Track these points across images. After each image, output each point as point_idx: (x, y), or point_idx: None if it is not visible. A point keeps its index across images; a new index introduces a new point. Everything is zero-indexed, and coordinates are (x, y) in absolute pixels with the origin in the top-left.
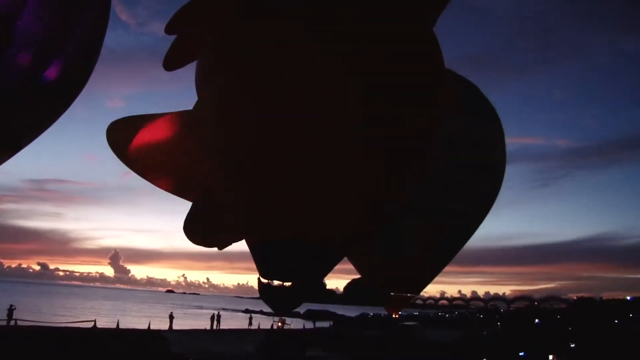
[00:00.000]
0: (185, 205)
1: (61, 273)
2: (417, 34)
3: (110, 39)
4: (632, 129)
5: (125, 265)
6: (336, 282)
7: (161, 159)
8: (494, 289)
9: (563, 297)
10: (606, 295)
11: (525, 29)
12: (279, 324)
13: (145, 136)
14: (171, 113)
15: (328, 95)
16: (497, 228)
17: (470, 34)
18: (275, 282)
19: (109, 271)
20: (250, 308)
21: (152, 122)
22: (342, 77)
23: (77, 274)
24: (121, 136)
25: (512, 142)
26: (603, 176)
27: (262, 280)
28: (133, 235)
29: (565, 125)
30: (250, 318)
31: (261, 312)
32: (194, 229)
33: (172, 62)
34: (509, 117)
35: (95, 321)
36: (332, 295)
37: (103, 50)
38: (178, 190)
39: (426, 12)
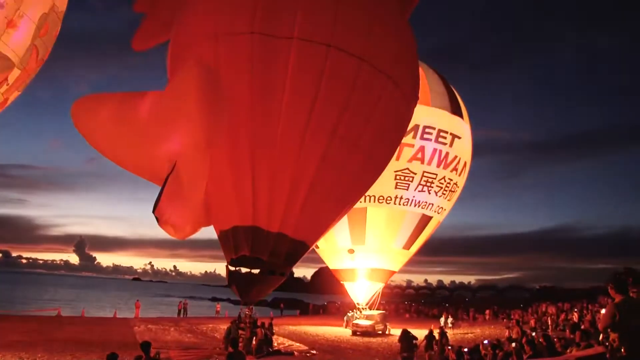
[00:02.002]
0: (152, 193)
1: (24, 261)
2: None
3: (76, 22)
4: (593, 124)
5: (90, 253)
6: (304, 270)
7: (130, 139)
8: (460, 278)
9: (526, 286)
10: (567, 284)
11: (493, 24)
12: (247, 312)
13: (115, 115)
14: (144, 92)
15: (304, 86)
16: (462, 219)
17: (438, 27)
18: (244, 270)
19: (74, 259)
20: (217, 296)
21: (123, 100)
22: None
23: (41, 262)
24: (87, 114)
25: (478, 135)
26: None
27: (230, 267)
28: (99, 222)
29: (529, 119)
30: (218, 306)
31: (228, 300)
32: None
33: (141, 41)
34: (475, 110)
35: (59, 310)
36: (300, 283)
37: (69, 34)
38: (147, 173)
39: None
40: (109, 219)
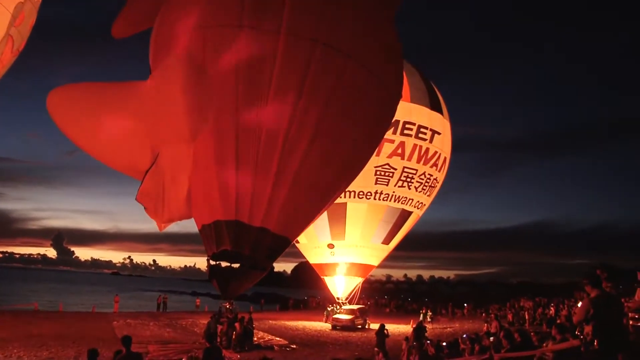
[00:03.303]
0: (132, 187)
1: (0, 255)
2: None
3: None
4: (574, 122)
5: (69, 247)
6: (284, 265)
7: (110, 131)
8: (439, 273)
9: (504, 281)
10: (544, 280)
11: (481, 22)
12: (227, 306)
13: (94, 105)
14: (125, 82)
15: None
16: (442, 214)
17: (424, 23)
18: (224, 264)
19: (51, 253)
20: (198, 291)
21: (102, 90)
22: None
23: (18, 256)
24: (64, 104)
25: (458, 131)
26: (545, 167)
27: (211, 262)
28: (77, 216)
29: (510, 116)
30: (197, 301)
31: (208, 295)
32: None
33: (121, 29)
34: (457, 106)
35: (36, 305)
36: (280, 277)
37: (47, 23)
38: (127, 167)
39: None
40: (88, 212)
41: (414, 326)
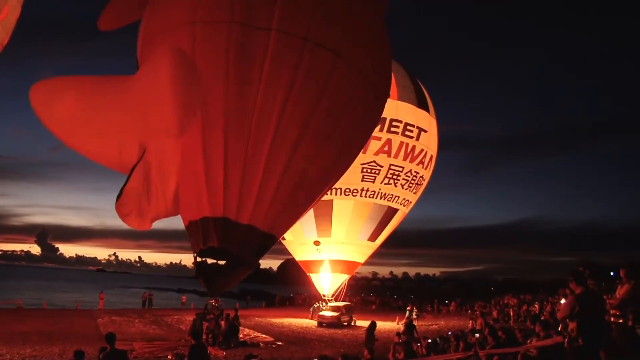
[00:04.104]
0: (118, 182)
1: None
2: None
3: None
4: (560, 121)
5: (53, 244)
6: (271, 262)
7: (96, 126)
8: (425, 271)
9: (490, 279)
10: (530, 277)
11: (465, 19)
12: (213, 303)
13: (78, 99)
14: (111, 76)
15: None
16: (428, 211)
17: (410, 20)
18: (211, 261)
19: (35, 249)
20: (184, 287)
21: (87, 84)
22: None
23: (1, 253)
24: (48, 98)
25: (445, 129)
26: (531, 165)
27: (198, 258)
28: (62, 212)
29: (498, 114)
30: (183, 298)
31: (195, 292)
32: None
33: (107, 22)
34: (444, 104)
35: (20, 302)
36: (267, 274)
37: (34, 19)
38: (113, 162)
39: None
40: (73, 208)
41: (405, 322)
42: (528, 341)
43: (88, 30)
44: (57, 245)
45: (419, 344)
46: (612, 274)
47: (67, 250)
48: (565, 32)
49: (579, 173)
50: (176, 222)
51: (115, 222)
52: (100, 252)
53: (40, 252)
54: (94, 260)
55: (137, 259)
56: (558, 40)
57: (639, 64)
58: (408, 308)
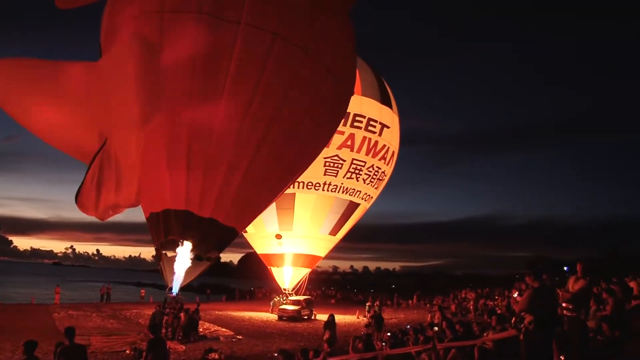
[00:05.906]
0: (76, 173)
1: None
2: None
3: None
4: (522, 119)
5: (6, 236)
6: (231, 255)
7: (54, 112)
8: (385, 265)
9: (449, 273)
10: (488, 272)
11: (435, 17)
12: (172, 297)
13: (36, 83)
14: (71, 61)
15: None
16: (389, 206)
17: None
18: (171, 253)
19: None
20: (142, 281)
21: (45, 68)
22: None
23: None
24: (4, 81)
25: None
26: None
27: (161, 251)
28: (17, 203)
29: (461, 111)
30: (142, 291)
31: (154, 285)
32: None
33: None
34: (407, 99)
35: None
36: (227, 268)
37: None
38: (72, 149)
39: None
40: (28, 200)
41: (370, 314)
42: (485, 334)
43: (45, 15)
44: (10, 238)
45: (383, 343)
46: (565, 268)
47: (22, 243)
48: (536, 33)
49: (538, 170)
50: (135, 215)
51: (72, 214)
52: (57, 245)
53: None
54: (49, 254)
55: (95, 252)
56: (528, 40)
57: (598, 64)
58: (368, 302)
